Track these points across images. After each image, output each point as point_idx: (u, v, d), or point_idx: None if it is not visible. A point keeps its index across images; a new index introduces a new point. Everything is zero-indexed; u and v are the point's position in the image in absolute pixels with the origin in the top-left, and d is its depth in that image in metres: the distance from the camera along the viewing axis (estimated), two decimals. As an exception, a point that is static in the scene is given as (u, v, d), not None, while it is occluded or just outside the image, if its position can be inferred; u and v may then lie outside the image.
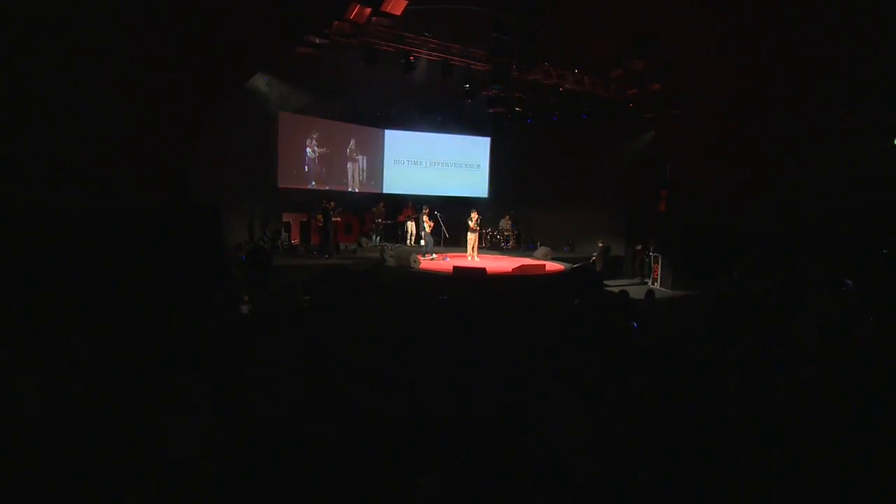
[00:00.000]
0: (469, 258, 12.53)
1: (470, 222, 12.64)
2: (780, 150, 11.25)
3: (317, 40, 8.35)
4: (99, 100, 6.65)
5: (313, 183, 14.82)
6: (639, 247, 14.53)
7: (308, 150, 14.80)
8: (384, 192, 16.42)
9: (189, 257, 6.61)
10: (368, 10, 8.36)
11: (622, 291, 6.30)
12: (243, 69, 8.67)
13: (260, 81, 12.54)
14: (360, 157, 16.01)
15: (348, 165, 15.82)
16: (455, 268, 9.94)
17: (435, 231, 13.65)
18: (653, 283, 12.99)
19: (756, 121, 10.97)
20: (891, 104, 10.40)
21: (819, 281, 9.06)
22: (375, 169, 16.36)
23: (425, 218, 13.41)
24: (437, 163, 17.12)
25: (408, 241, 15.02)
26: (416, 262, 10.67)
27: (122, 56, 6.73)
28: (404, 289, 6.71)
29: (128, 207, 6.86)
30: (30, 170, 5.84)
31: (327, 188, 14.85)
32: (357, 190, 15.87)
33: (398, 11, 8.80)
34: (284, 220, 13.95)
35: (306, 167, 14.76)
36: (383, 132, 16.31)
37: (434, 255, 12.54)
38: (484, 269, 9.64)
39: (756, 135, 11.18)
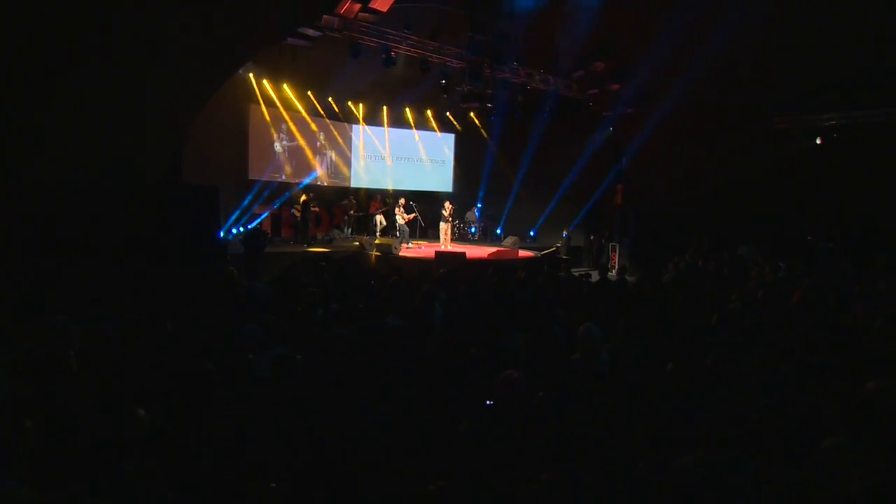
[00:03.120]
0: (443, 247, 13.11)
1: (444, 212, 13.22)
2: (721, 148, 12.52)
3: (310, 32, 8.70)
4: (103, 89, 6.82)
5: (283, 176, 14.98)
6: (591, 237, 15.61)
7: (276, 143, 14.93)
8: (352, 185, 16.74)
9: (195, 234, 6.86)
10: (358, 5, 8.82)
11: (602, 265, 7.10)
12: (235, 59, 8.89)
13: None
14: (328, 151, 16.26)
15: (317, 159, 16.03)
16: (437, 253, 10.52)
17: (411, 222, 14.10)
18: (611, 271, 14.04)
19: (702, 121, 12.18)
20: (814, 109, 11.88)
21: (758, 262, 10.30)
22: (343, 163, 16.64)
23: (400, 210, 13.82)
24: (404, 158, 17.59)
25: (377, 233, 15.38)
26: (398, 248, 11.17)
27: (123, 47, 6.92)
28: (396, 270, 7.20)
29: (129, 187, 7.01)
30: (43, 151, 5.96)
31: (296, 181, 15.04)
32: (325, 183, 16.12)
33: (385, 8, 9.32)
34: (256, 211, 14.05)
35: (275, 160, 14.89)
36: (351, 127, 16.63)
37: (410, 244, 13.03)
38: (464, 254, 10.27)
39: (703, 133, 12.41)
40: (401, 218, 13.64)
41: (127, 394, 2.44)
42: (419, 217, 14.64)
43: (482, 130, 16.98)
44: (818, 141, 12.17)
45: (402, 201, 14.16)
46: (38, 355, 2.77)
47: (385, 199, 15.91)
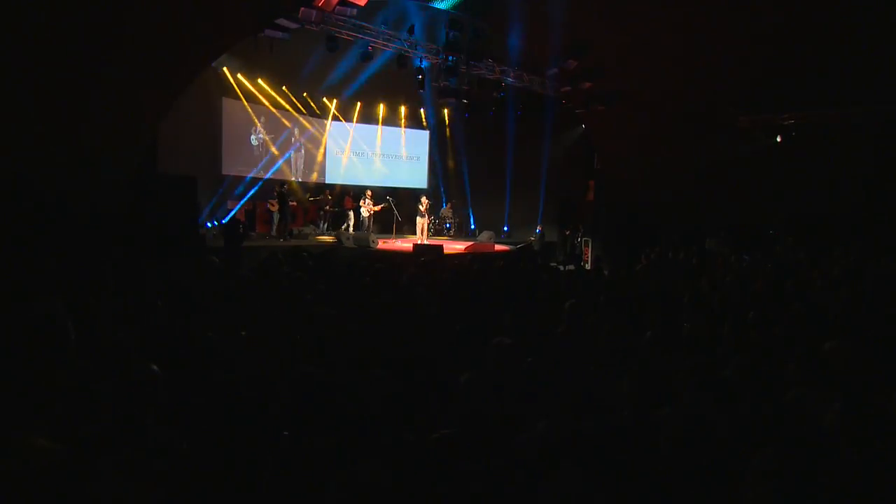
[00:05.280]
0: (419, 241, 13.20)
1: (420, 207, 13.32)
2: (689, 146, 12.99)
3: (287, 24, 8.69)
4: (71, 79, 6.70)
5: (257, 170, 14.84)
6: (567, 232, 15.97)
7: (252, 137, 14.78)
8: (326, 181, 16.67)
9: (175, 224, 6.80)
10: (336, -2, 8.85)
11: (576, 256, 7.35)
12: (211, 50, 8.81)
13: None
14: (302, 147, 16.17)
15: (291, 154, 15.92)
16: (415, 245, 10.63)
17: (382, 213, 14.09)
18: (584, 264, 14.38)
19: (671, 120, 12.62)
20: (774, 108, 12.46)
21: (724, 253, 10.79)
22: (318, 158, 16.56)
23: (365, 203, 13.81)
24: (378, 154, 17.62)
25: (350, 228, 15.30)
26: (375, 242, 11.23)
27: (93, 36, 6.80)
28: (377, 261, 7.29)
29: (103, 182, 6.90)
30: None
31: (271, 176, 14.92)
32: (300, 179, 16.02)
33: (362, 2, 9.37)
34: (229, 206, 13.90)
35: (249, 154, 14.74)
36: (325, 123, 16.57)
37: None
38: (441, 247, 10.41)
39: (670, 132, 12.86)
40: (366, 210, 13.58)
41: (134, 355, 2.48)
42: (395, 210, 14.60)
43: (456, 127, 17.15)
44: (778, 139, 12.78)
45: (368, 193, 14.13)
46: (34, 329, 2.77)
47: (360, 195, 15.88)
